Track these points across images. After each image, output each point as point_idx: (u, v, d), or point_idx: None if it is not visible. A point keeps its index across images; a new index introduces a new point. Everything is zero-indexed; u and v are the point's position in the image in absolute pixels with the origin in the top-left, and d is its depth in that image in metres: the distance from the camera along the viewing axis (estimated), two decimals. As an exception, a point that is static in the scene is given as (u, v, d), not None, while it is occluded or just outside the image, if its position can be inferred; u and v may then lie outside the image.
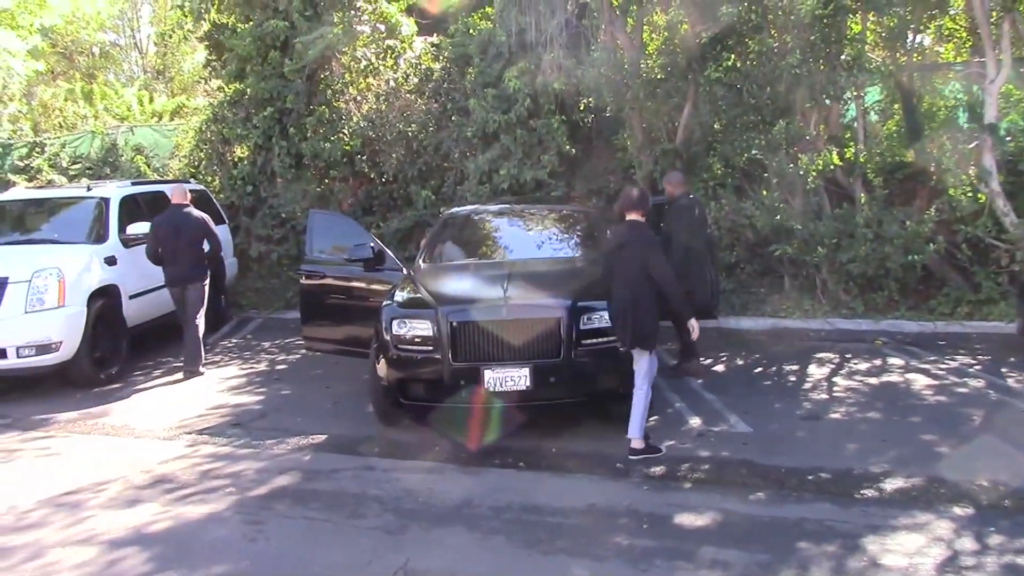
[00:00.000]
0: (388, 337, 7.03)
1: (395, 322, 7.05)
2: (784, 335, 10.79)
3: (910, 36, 12.28)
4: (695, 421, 7.47)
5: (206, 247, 10.01)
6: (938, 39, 13.10)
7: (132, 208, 10.68)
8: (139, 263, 10.10)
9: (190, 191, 11.02)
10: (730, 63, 11.62)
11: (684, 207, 8.79)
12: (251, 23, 13.84)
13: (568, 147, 12.98)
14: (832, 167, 11.48)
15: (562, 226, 9.27)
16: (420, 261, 8.57)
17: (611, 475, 6.32)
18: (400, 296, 7.44)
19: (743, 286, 12.04)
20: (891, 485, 5.89)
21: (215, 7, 14.48)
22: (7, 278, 8.81)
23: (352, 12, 13.98)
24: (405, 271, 8.34)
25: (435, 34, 14.75)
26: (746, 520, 5.41)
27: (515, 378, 6.71)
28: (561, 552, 5.04)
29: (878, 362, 9.44)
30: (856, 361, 9.49)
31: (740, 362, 9.60)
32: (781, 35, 11.36)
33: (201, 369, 9.83)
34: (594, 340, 6.86)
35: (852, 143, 12.04)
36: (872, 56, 11.95)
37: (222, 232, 11.82)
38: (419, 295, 7.37)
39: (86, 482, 6.39)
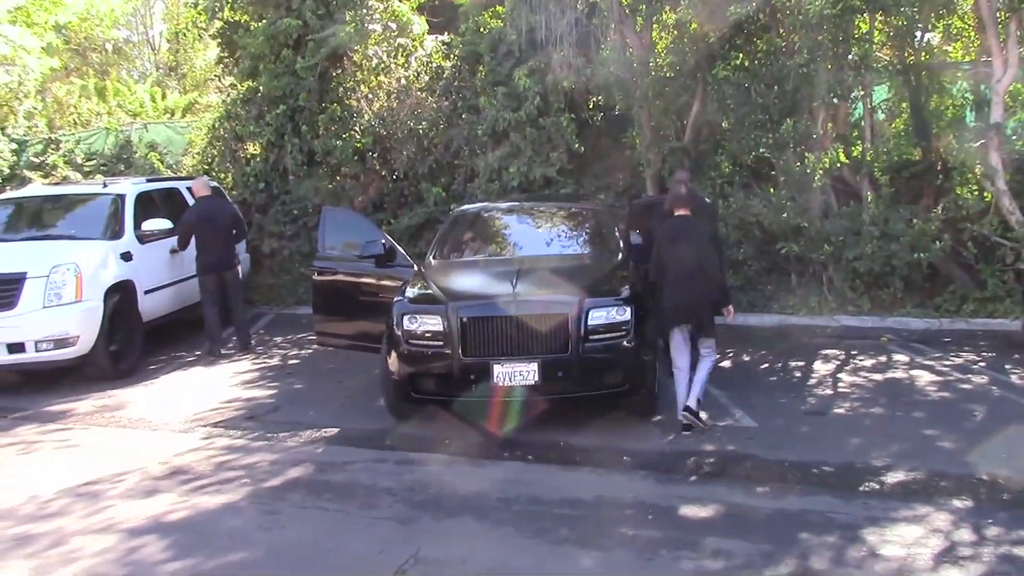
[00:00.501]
0: (399, 332, 7.15)
1: (406, 317, 7.17)
2: (790, 332, 10.89)
3: (918, 35, 12.33)
4: (701, 416, 7.56)
5: None
6: (946, 38, 13.13)
7: (147, 204, 10.88)
8: (154, 259, 10.30)
9: (168, 187, 11.79)
10: (738, 62, 11.71)
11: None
12: (264, 21, 13.97)
13: (577, 145, 13.07)
14: (839, 165, 11.57)
15: (571, 223, 9.38)
16: (431, 257, 8.68)
17: (618, 468, 6.43)
18: (411, 292, 7.57)
19: (750, 283, 12.12)
20: (892, 478, 5.99)
21: (228, 5, 14.62)
22: (25, 273, 8.99)
23: (364, 11, 14.06)
24: (416, 267, 8.46)
25: (446, 32, 14.85)
26: (749, 512, 5.53)
27: (524, 373, 6.83)
28: (568, 542, 5.16)
29: (883, 358, 9.54)
30: (861, 357, 9.59)
31: (747, 358, 9.70)
32: (789, 34, 11.45)
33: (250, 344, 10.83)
34: (602, 336, 6.98)
35: (859, 141, 12.12)
36: (879, 55, 12.03)
37: None
38: (430, 291, 7.49)
39: (104, 473, 6.55)
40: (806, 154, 11.33)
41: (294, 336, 11.74)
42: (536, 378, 6.82)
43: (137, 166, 15.77)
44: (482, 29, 13.73)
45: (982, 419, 7.38)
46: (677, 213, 7.47)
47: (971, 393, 8.15)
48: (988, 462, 6.21)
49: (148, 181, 11.72)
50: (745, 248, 11.93)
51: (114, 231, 10.18)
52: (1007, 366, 9.04)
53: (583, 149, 13.25)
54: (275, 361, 10.39)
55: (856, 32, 11.52)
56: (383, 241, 8.71)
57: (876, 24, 11.82)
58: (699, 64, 11.67)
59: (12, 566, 5.03)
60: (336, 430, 7.51)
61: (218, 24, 15.01)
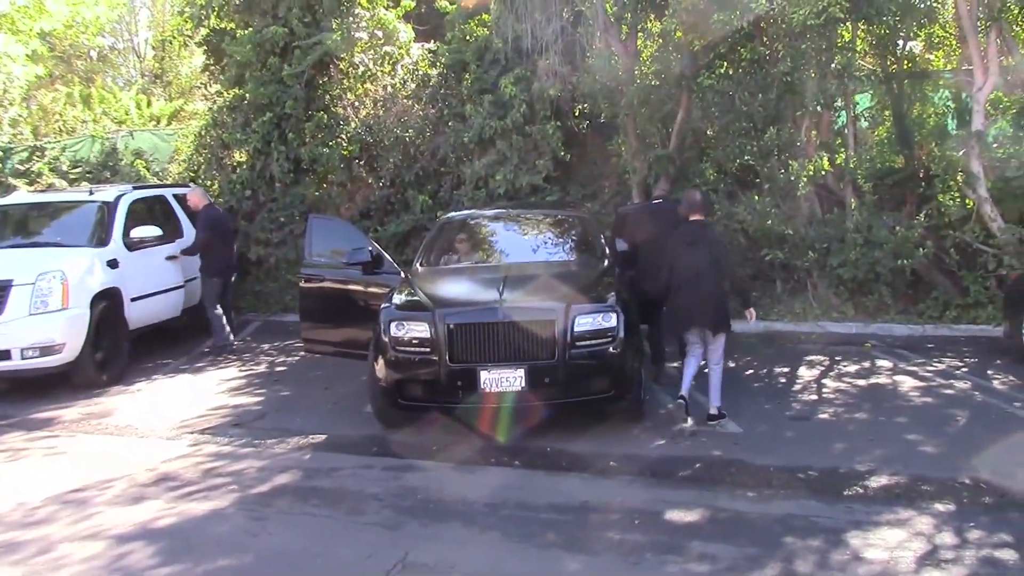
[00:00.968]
0: (386, 339, 7.18)
1: (393, 324, 7.20)
2: (775, 338, 10.95)
3: (900, 44, 12.45)
4: (687, 421, 7.61)
5: None
6: (927, 47, 13.26)
7: (140, 212, 10.98)
8: (142, 267, 10.28)
9: (156, 194, 11.95)
10: (723, 70, 11.79)
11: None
12: (251, 29, 13.98)
13: (563, 153, 13.12)
14: (823, 173, 11.68)
15: (557, 230, 9.42)
16: (417, 264, 8.70)
17: (604, 474, 6.47)
18: (398, 299, 7.60)
19: (734, 290, 12.18)
20: (875, 483, 6.06)
21: (215, 13, 14.62)
22: (11, 281, 8.98)
23: (350, 19, 14.11)
24: (403, 274, 8.49)
25: (432, 40, 14.89)
26: (734, 516, 5.57)
27: (510, 379, 6.87)
28: (555, 546, 5.20)
29: (867, 364, 9.62)
30: (845, 363, 9.67)
31: (731, 364, 9.72)
32: (772, 43, 11.54)
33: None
34: (588, 342, 7.03)
35: (843, 149, 12.21)
36: (862, 64, 12.13)
37: None
38: (417, 298, 7.53)
39: (91, 480, 6.54)
40: (790, 162, 11.42)
41: (281, 343, 11.74)
42: (523, 384, 6.86)
43: (123, 174, 15.71)
44: (468, 37, 13.78)
45: (964, 424, 7.46)
46: (692, 218, 7.79)
47: (954, 398, 8.23)
48: (970, 466, 6.28)
49: (135, 188, 11.71)
50: (730, 255, 11.96)
51: (100, 239, 10.16)
52: (989, 372, 9.14)
53: (569, 157, 13.30)
54: (262, 368, 10.40)
55: (839, 41, 11.60)
56: (370, 248, 8.75)
57: (859, 33, 11.93)
58: (684, 72, 11.73)
59: (-1, 573, 5.04)
60: (323, 436, 7.53)
61: (204, 32, 15.01)
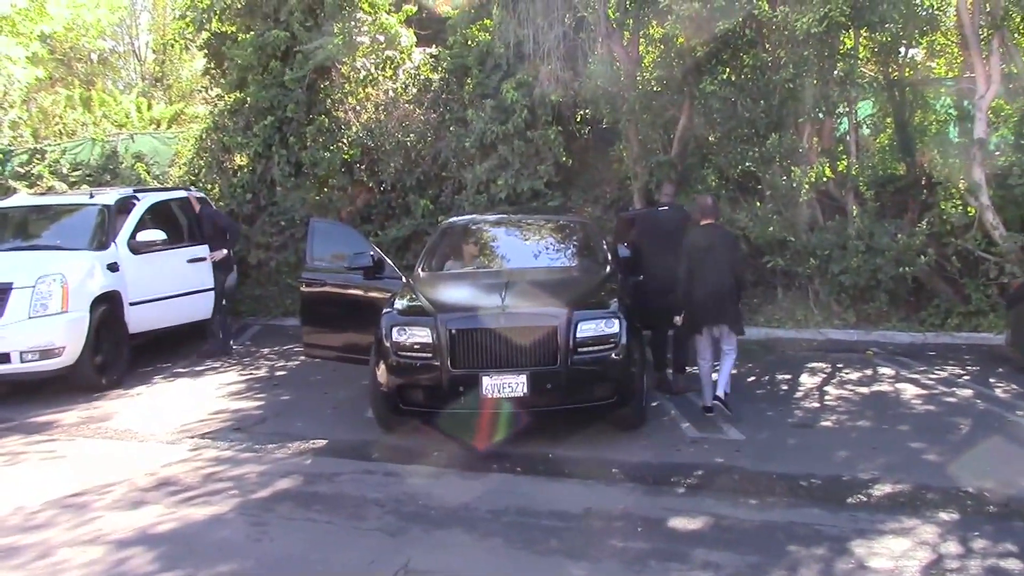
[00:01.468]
0: (388, 344, 7.15)
1: (395, 329, 7.17)
2: (777, 345, 10.95)
3: (902, 51, 12.45)
4: (688, 428, 7.61)
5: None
6: (929, 54, 13.27)
7: (160, 215, 11.10)
8: (145, 270, 10.24)
9: (196, 198, 11.98)
10: (725, 76, 11.77)
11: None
12: (252, 33, 13.97)
13: (565, 158, 13.13)
14: (825, 180, 11.67)
15: (559, 236, 9.40)
16: (419, 269, 8.68)
17: (606, 480, 6.45)
18: (400, 304, 7.58)
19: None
20: (879, 491, 6.03)
21: (216, 17, 14.61)
22: (11, 283, 8.96)
23: (352, 23, 14.10)
24: (404, 279, 8.47)
25: (434, 45, 14.90)
26: (738, 524, 5.55)
27: (512, 385, 6.84)
28: (558, 553, 5.17)
29: (869, 372, 9.61)
30: (847, 371, 9.66)
31: (733, 371, 9.65)
32: (775, 50, 11.53)
33: None
34: (591, 348, 7.00)
35: (844, 156, 12.22)
36: (864, 71, 12.13)
37: None
38: (418, 303, 7.50)
39: (91, 484, 6.50)
40: (792, 168, 11.41)
41: (281, 347, 11.73)
42: (525, 390, 6.82)
43: (123, 177, 15.69)
44: (470, 42, 13.78)
45: (967, 432, 7.44)
46: (704, 223, 8.09)
47: (956, 406, 8.21)
48: (974, 475, 6.26)
49: (153, 191, 11.93)
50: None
51: (100, 242, 10.13)
52: (991, 380, 9.13)
53: (571, 162, 13.31)
54: (262, 372, 10.38)
55: (841, 48, 11.63)
56: (372, 253, 8.73)
57: (861, 40, 11.93)
58: (686, 78, 11.74)
59: (-2, 578, 5.01)
60: (324, 442, 7.50)
61: (205, 35, 15.00)
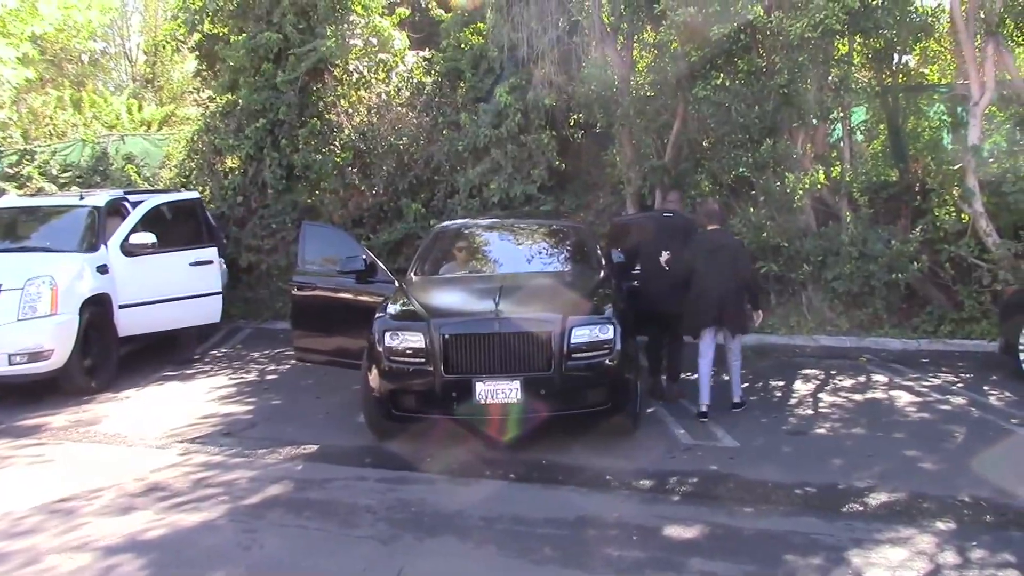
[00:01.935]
0: (380, 349, 7.09)
1: (387, 334, 7.11)
2: (770, 351, 10.91)
3: (896, 57, 12.46)
4: (682, 435, 7.57)
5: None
6: (923, 61, 13.27)
7: (164, 217, 10.99)
8: (137, 273, 10.13)
9: (185, 199, 11.78)
10: (719, 82, 11.75)
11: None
12: (244, 35, 13.90)
13: (558, 162, 13.11)
14: (818, 186, 11.65)
15: (552, 240, 9.35)
16: (412, 274, 8.62)
17: (600, 487, 6.39)
18: (392, 308, 7.52)
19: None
20: (875, 500, 5.99)
21: (208, 18, 14.53)
22: (0, 285, 8.85)
23: (345, 25, 14.07)
24: (397, 283, 8.41)
25: (427, 48, 14.87)
26: (733, 532, 5.50)
27: (506, 391, 6.79)
28: (552, 562, 5.12)
29: (862, 379, 9.60)
30: (841, 377, 9.65)
31: (727, 378, 9.67)
32: (770, 55, 11.51)
33: None
34: (585, 354, 6.95)
35: (838, 162, 12.22)
36: (858, 77, 12.13)
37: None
38: (411, 307, 7.45)
39: (79, 489, 6.42)
40: (786, 174, 11.39)
41: (271, 351, 11.65)
42: (518, 396, 6.78)
43: (113, 178, 15.61)
44: (463, 45, 13.76)
45: (962, 440, 7.42)
46: (710, 227, 8.31)
47: (951, 414, 8.19)
48: (970, 484, 6.23)
49: (163, 192, 11.92)
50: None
51: (90, 244, 10.02)
52: (985, 387, 9.12)
53: (564, 166, 13.28)
54: (252, 376, 10.30)
55: (836, 54, 11.62)
56: (364, 257, 8.66)
57: (855, 46, 11.93)
58: (680, 83, 11.70)
59: (-16, 585, 4.93)
60: (315, 447, 7.42)
61: (197, 37, 14.93)
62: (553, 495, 6.27)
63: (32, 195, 13.86)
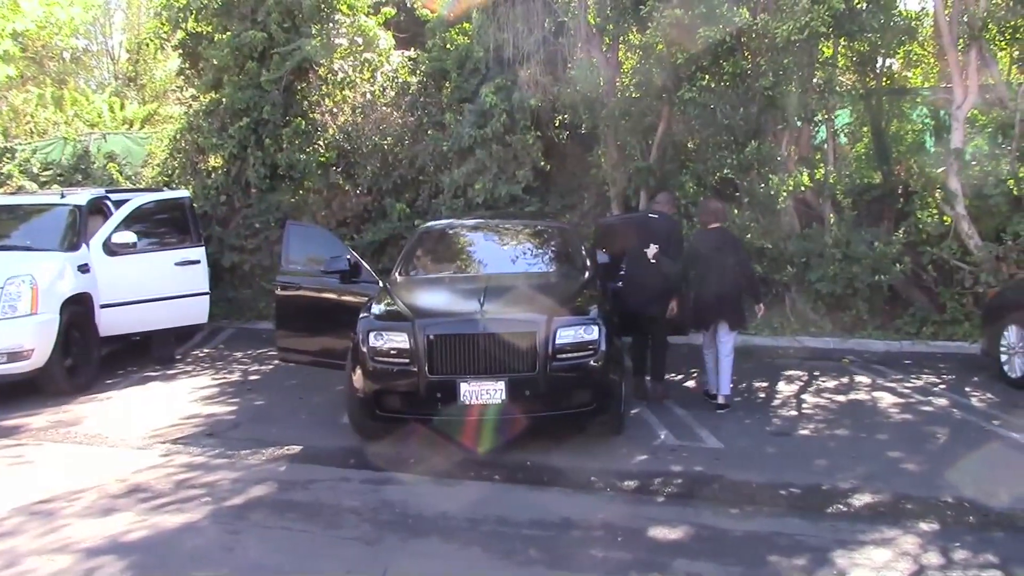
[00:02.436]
0: (365, 349, 7.05)
1: (372, 334, 7.07)
2: (753, 352, 10.93)
3: (880, 61, 12.53)
4: (667, 436, 7.57)
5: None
6: (907, 64, 13.38)
7: (150, 217, 10.93)
8: (120, 273, 10.05)
9: (172, 198, 11.67)
10: (704, 83, 11.78)
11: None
12: (229, 33, 13.83)
13: (543, 163, 13.11)
14: (802, 188, 11.69)
15: (537, 241, 9.33)
16: (396, 274, 8.59)
17: (585, 488, 6.38)
18: (377, 308, 7.48)
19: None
20: (859, 500, 6.01)
21: (192, 16, 14.44)
22: (-21, 284, 8.77)
23: (330, 25, 14.04)
24: (382, 284, 8.37)
25: (412, 48, 14.84)
26: (718, 534, 5.50)
27: (490, 391, 6.76)
28: (537, 563, 5.10)
29: (845, 380, 9.65)
30: (824, 379, 9.69)
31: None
32: (755, 58, 11.54)
33: None
34: (570, 355, 6.93)
35: (822, 164, 12.26)
36: (842, 80, 12.19)
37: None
38: (396, 308, 7.41)
39: (60, 490, 6.35)
40: (770, 176, 11.43)
41: (254, 351, 11.59)
42: (503, 397, 6.75)
43: (95, 177, 15.48)
44: (449, 46, 13.74)
45: (945, 441, 7.46)
46: (712, 226, 8.58)
47: (933, 416, 8.24)
48: (953, 484, 6.27)
49: (147, 192, 11.84)
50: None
51: (71, 243, 9.93)
52: (967, 389, 9.18)
53: (549, 167, 13.29)
54: (235, 376, 10.24)
55: (820, 57, 11.66)
56: (348, 257, 8.62)
57: (840, 49, 11.98)
58: (665, 85, 11.72)
59: (-37, 587, 4.87)
60: (299, 448, 7.37)
61: (181, 35, 14.83)
62: (538, 496, 6.25)
63: (12, 194, 13.71)
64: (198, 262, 11.04)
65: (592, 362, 6.97)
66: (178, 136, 14.95)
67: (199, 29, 14.56)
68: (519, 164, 13.00)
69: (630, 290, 8.67)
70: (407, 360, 6.92)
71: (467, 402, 6.78)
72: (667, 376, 9.01)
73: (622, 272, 8.86)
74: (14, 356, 8.71)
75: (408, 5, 15.27)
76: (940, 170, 11.35)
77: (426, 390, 6.84)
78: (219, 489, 6.39)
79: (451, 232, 9.62)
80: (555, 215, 12.89)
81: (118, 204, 10.71)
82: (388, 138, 13.88)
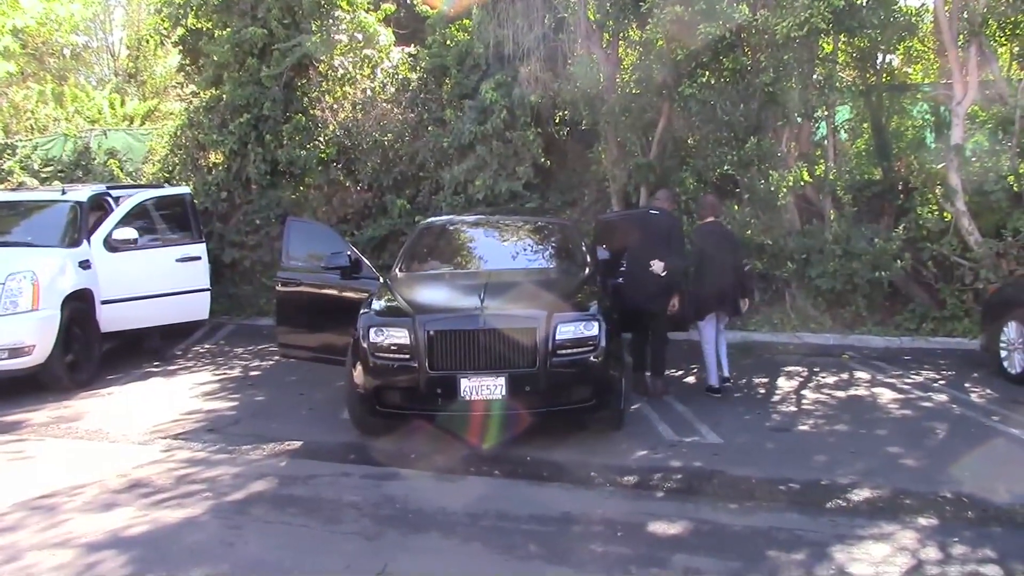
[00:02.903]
0: (365, 345, 7.06)
1: (372, 330, 7.08)
2: (754, 348, 10.96)
3: (880, 57, 12.54)
4: (667, 432, 7.58)
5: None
6: (907, 60, 13.38)
7: (150, 212, 10.97)
8: (121, 269, 10.07)
9: (174, 194, 11.70)
10: (705, 80, 11.78)
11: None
12: (229, 29, 13.84)
13: (543, 159, 13.11)
14: (802, 184, 11.69)
15: (537, 237, 9.35)
16: (397, 270, 8.60)
17: (585, 484, 6.39)
18: (377, 304, 7.49)
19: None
20: (858, 496, 6.02)
21: (192, 13, 14.45)
22: (-19, 280, 8.78)
23: (330, 21, 14.06)
24: (382, 280, 8.38)
25: (413, 44, 14.84)
26: (718, 529, 5.51)
27: (491, 387, 6.77)
28: (537, 558, 5.11)
29: (845, 376, 9.66)
30: (824, 375, 9.71)
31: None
32: (755, 54, 11.54)
33: None
34: (570, 351, 6.94)
35: (822, 161, 12.26)
36: (843, 76, 12.19)
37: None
38: (396, 304, 7.42)
39: (61, 485, 6.36)
40: (770, 172, 11.43)
41: (255, 347, 11.61)
42: (503, 393, 6.76)
43: (96, 173, 15.51)
44: (449, 42, 13.75)
45: (944, 437, 7.48)
46: (710, 219, 8.99)
47: (932, 411, 8.26)
48: (951, 480, 6.28)
49: (149, 188, 11.87)
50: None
51: (72, 239, 9.95)
52: (967, 384, 9.20)
53: (549, 163, 13.29)
54: (236, 372, 10.25)
55: (820, 53, 11.67)
56: (348, 253, 8.63)
57: (840, 45, 11.98)
58: (665, 81, 11.72)
59: (-35, 582, 4.89)
60: (299, 443, 7.39)
61: (181, 31, 14.84)
62: (538, 492, 6.26)
63: (13, 190, 13.71)
64: (199, 258, 11.05)
65: (592, 358, 6.98)
66: (178, 132, 14.96)
67: (199, 25, 14.58)
68: (519, 160, 13.00)
69: (631, 286, 8.67)
70: (407, 356, 6.93)
71: (467, 398, 6.79)
72: (667, 372, 9.02)
73: (623, 268, 8.87)
74: (15, 352, 8.74)
75: (408, 1, 15.26)
76: (940, 166, 11.36)
77: (426, 386, 6.85)
78: (220, 484, 6.40)
79: (451, 228, 9.63)
80: (555, 211, 12.92)
81: (119, 200, 10.73)
82: (388, 134, 13.89)
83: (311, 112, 14.21)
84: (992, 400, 8.60)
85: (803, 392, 9.02)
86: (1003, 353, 9.33)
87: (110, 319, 10.05)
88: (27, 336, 8.79)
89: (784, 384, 9.36)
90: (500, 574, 4.97)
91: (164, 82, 25.64)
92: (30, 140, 17.34)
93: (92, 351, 9.76)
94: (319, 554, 5.21)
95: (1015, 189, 10.97)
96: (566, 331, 6.95)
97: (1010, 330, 9.24)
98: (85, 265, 9.77)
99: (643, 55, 12.21)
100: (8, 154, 16.26)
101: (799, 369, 9.99)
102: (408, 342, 6.92)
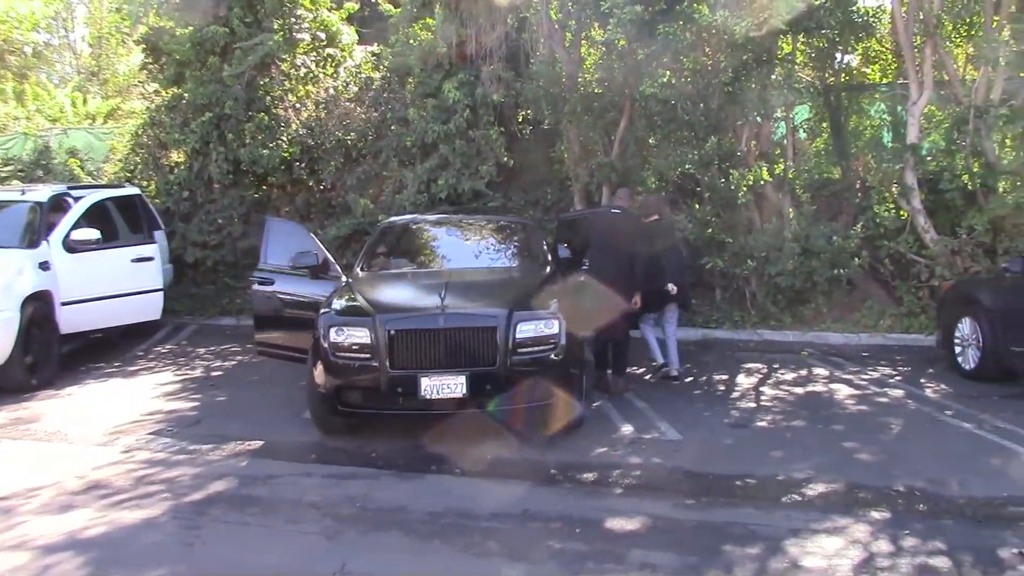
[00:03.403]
0: (326, 344, 7.06)
1: (332, 329, 7.09)
2: (714, 345, 11.08)
3: (838, 57, 12.69)
4: (627, 428, 7.65)
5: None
6: (864, 61, 13.56)
7: (103, 213, 10.90)
8: (80, 270, 9.98)
9: (125, 195, 11.66)
10: (665, 80, 11.88)
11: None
12: (191, 28, 13.75)
13: (506, 158, 13.14)
14: (762, 183, 11.81)
15: (499, 236, 9.40)
16: (358, 269, 8.61)
17: (544, 482, 6.43)
18: (338, 304, 7.49)
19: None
20: (813, 490, 6.11)
21: (154, 11, 14.35)
22: (-62, 281, 8.68)
23: (292, 20, 14.02)
24: (343, 279, 8.39)
25: (376, 43, 14.83)
26: (675, 524, 5.58)
27: (451, 386, 6.81)
28: (496, 555, 5.15)
29: (803, 372, 9.79)
30: (783, 371, 9.82)
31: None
32: (715, 54, 11.65)
33: None
34: (530, 349, 6.98)
35: (782, 160, 12.39)
36: (801, 76, 12.32)
37: (159, 237, 11.86)
38: (357, 303, 7.43)
39: (17, 487, 6.31)
40: (731, 171, 11.54)
41: (217, 347, 11.54)
42: (464, 391, 6.80)
43: (56, 172, 15.36)
44: (412, 41, 13.72)
45: (899, 432, 7.60)
46: (654, 218, 9.58)
47: (888, 407, 8.38)
48: (905, 474, 6.38)
49: (105, 188, 11.76)
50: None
51: (31, 240, 9.84)
52: (922, 380, 9.35)
53: (512, 162, 13.31)
54: (198, 372, 10.19)
55: (779, 53, 11.79)
56: (316, 252, 8.63)
57: (798, 45, 12.11)
58: (627, 81, 11.80)
59: (-81, 585, 4.85)
60: (260, 443, 7.37)
61: (143, 29, 14.74)
62: (498, 489, 6.30)
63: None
64: (152, 258, 11.03)
65: (552, 356, 7.03)
66: (140, 131, 14.86)
67: (161, 23, 14.46)
68: (482, 159, 13.04)
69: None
70: (368, 355, 6.94)
71: (428, 396, 6.81)
72: (628, 369, 9.09)
73: (584, 267, 8.92)
74: (-26, 353, 8.65)
75: (372, 0, 15.25)
76: (898, 165, 11.51)
77: (387, 385, 6.87)
78: (179, 485, 6.38)
79: (413, 227, 9.65)
80: (518, 210, 12.95)
81: (78, 201, 10.64)
82: (351, 134, 13.87)
83: (273, 111, 14.15)
84: (946, 395, 8.75)
85: (762, 388, 9.13)
86: (957, 349, 9.48)
87: (69, 320, 9.95)
88: (-14, 337, 8.70)
89: (744, 381, 9.47)
90: (459, 572, 5.01)
91: (127, 80, 25.41)
92: (-11, 139, 17.14)
93: (51, 352, 9.66)
94: (278, 553, 5.21)
95: (970, 188, 11.18)
96: (526, 329, 6.99)
97: (964, 326, 9.39)
98: (45, 266, 9.67)
99: (605, 55, 12.29)
100: (-34, 153, 16.07)
101: (759, 366, 10.10)
102: (369, 341, 6.93)
